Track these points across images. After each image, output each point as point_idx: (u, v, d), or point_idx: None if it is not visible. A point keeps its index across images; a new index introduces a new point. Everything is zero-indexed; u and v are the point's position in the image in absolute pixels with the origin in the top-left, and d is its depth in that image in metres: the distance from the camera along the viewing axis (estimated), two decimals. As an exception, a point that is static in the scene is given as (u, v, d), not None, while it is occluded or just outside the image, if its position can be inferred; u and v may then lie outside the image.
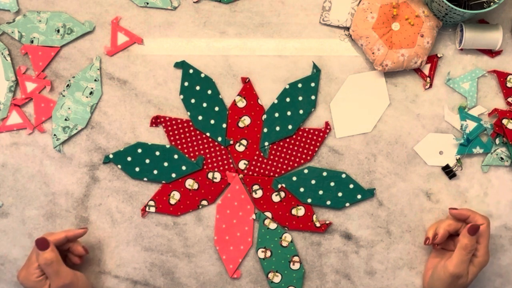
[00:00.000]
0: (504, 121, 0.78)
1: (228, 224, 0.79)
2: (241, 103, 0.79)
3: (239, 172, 0.79)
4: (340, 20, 0.80)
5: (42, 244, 0.69)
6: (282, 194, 0.79)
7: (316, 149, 0.79)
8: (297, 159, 0.79)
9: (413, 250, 0.79)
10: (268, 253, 0.78)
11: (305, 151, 0.79)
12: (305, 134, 0.79)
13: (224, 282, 0.79)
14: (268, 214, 0.79)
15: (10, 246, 0.79)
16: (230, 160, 0.79)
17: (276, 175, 0.79)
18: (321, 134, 0.79)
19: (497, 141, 0.79)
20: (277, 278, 0.78)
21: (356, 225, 0.79)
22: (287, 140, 0.79)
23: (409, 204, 0.79)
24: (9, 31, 0.80)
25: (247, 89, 0.79)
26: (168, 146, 0.78)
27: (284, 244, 0.78)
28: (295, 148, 0.79)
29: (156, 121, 0.79)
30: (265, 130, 0.79)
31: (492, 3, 0.74)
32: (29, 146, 0.80)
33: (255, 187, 0.79)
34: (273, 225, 0.78)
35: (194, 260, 0.79)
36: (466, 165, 0.79)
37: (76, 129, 0.79)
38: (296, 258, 0.78)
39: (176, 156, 0.78)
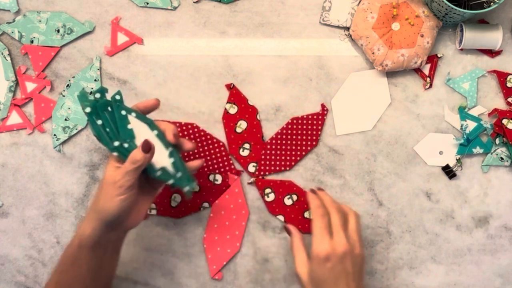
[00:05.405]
0: (504, 121, 0.78)
1: (220, 225, 0.78)
2: (233, 110, 0.79)
3: (251, 176, 0.79)
4: (340, 20, 0.80)
5: (147, 146, 0.62)
6: (294, 197, 0.79)
7: (319, 132, 0.78)
8: (304, 147, 0.79)
9: (413, 250, 0.79)
10: None
11: (309, 137, 0.78)
12: (304, 122, 0.78)
13: (224, 282, 0.79)
14: (281, 217, 0.78)
15: (10, 246, 0.79)
16: (231, 161, 0.79)
17: (288, 168, 0.79)
18: (320, 117, 0.78)
19: (497, 141, 0.78)
20: None
21: (356, 225, 0.79)
22: (288, 132, 0.78)
23: (409, 204, 0.79)
24: (9, 31, 0.80)
25: (234, 95, 0.79)
26: None
27: None
28: (299, 137, 0.78)
29: None
30: None
31: (492, 3, 0.74)
32: (29, 146, 0.80)
33: (267, 190, 0.79)
34: None
35: (194, 260, 0.79)
36: (466, 165, 0.79)
37: (76, 129, 0.79)
38: None
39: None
